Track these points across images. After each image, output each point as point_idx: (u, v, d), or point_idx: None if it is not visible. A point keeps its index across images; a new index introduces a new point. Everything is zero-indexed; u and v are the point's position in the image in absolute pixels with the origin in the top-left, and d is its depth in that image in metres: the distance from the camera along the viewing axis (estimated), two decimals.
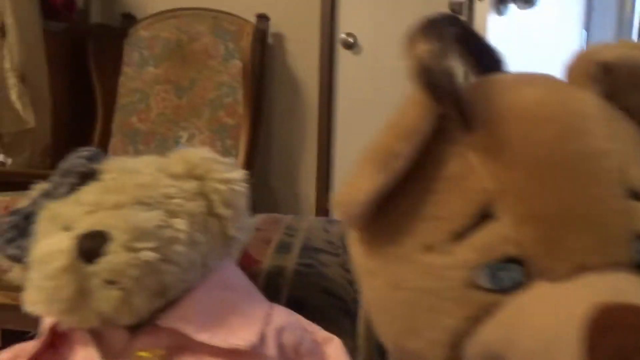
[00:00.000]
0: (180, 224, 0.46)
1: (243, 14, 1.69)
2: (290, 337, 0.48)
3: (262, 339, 0.47)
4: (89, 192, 0.48)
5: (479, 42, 0.34)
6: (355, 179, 0.33)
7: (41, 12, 1.64)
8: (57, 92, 1.64)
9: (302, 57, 1.74)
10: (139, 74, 1.77)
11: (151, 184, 0.48)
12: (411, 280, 0.34)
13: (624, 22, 1.26)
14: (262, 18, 1.71)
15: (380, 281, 0.37)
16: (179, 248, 0.45)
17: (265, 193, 1.74)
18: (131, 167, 0.50)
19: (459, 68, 0.31)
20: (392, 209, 0.35)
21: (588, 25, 1.29)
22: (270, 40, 1.75)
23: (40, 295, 0.44)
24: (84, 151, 0.52)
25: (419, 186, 0.34)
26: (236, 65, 1.66)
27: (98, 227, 0.44)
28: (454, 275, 0.33)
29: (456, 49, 0.31)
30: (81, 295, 0.42)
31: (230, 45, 1.68)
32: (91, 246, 0.42)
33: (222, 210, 0.49)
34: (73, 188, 0.49)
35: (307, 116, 1.73)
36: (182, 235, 0.46)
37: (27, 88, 1.58)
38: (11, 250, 0.49)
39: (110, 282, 0.42)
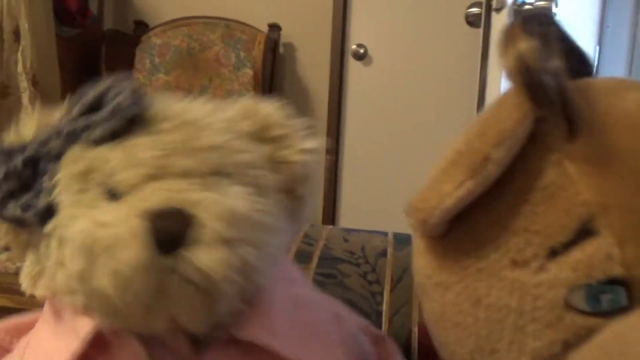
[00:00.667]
0: (267, 203, 0.35)
1: (255, 23, 1.67)
2: (359, 346, 0.43)
3: (347, 353, 0.39)
4: (143, 147, 0.33)
5: (571, 43, 0.31)
6: (438, 183, 0.30)
7: (55, 17, 1.62)
8: (69, 96, 1.60)
9: (312, 67, 1.72)
10: (150, 81, 1.74)
11: (225, 146, 0.35)
12: (495, 298, 0.31)
13: (637, 38, 1.25)
14: (274, 28, 1.68)
15: (453, 295, 0.33)
16: (273, 239, 0.34)
17: None
18: (192, 117, 0.36)
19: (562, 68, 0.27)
20: (476, 219, 0.31)
21: (601, 41, 1.28)
22: (281, 49, 1.73)
23: (85, 290, 0.32)
24: (124, 81, 0.35)
25: (510, 196, 0.30)
26: (247, 74, 1.64)
27: (176, 204, 0.30)
28: (546, 295, 0.29)
29: (559, 48, 0.28)
30: (153, 295, 0.31)
31: (242, 54, 1.66)
32: (173, 232, 0.30)
33: (300, 188, 0.38)
34: (114, 134, 0.34)
35: (316, 125, 1.70)
36: (273, 222, 0.34)
37: (39, 92, 1.55)
38: (12, 210, 0.33)
39: (194, 283, 0.30)
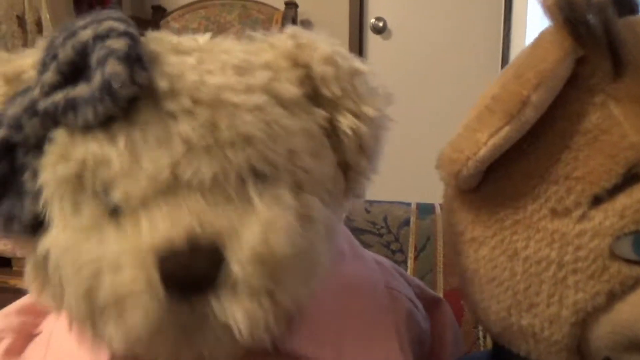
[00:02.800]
0: (316, 206, 0.26)
1: (271, 2, 1.64)
2: (415, 327, 0.39)
3: (402, 345, 0.35)
4: (150, 145, 0.24)
5: None
6: (472, 132, 0.28)
7: (75, 6, 1.61)
8: (41, 41, 1.60)
9: None
10: None
11: (266, 133, 0.25)
12: (533, 250, 0.29)
13: None
14: (291, 5, 1.65)
15: (488, 250, 0.31)
16: (322, 257, 0.27)
17: None
18: (216, 86, 0.25)
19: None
20: (512, 169, 0.29)
21: None
22: (299, 27, 1.69)
23: (99, 331, 0.25)
24: (112, 32, 0.24)
25: (549, 143, 0.28)
26: None
27: (199, 237, 0.23)
28: (589, 244, 0.27)
29: None
30: (178, 339, 0.25)
31: None
32: (196, 277, 0.23)
33: (356, 159, 0.29)
34: (106, 117, 0.24)
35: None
36: (321, 230, 0.27)
37: None
38: None
39: (222, 328, 0.24)
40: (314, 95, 0.28)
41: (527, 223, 0.29)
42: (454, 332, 0.44)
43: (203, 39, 0.29)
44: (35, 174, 0.25)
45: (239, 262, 0.23)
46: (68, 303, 0.26)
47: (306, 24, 1.71)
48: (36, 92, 0.25)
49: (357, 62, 0.29)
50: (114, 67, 0.23)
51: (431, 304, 0.44)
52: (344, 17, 1.63)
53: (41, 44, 0.26)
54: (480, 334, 0.57)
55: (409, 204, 0.70)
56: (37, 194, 0.25)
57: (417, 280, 0.46)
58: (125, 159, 0.24)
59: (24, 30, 1.63)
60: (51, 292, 0.27)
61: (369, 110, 0.28)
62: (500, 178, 0.30)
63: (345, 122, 0.28)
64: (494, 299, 0.32)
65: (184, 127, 0.24)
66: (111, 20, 0.25)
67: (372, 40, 1.63)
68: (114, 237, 0.24)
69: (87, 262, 0.24)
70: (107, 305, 0.24)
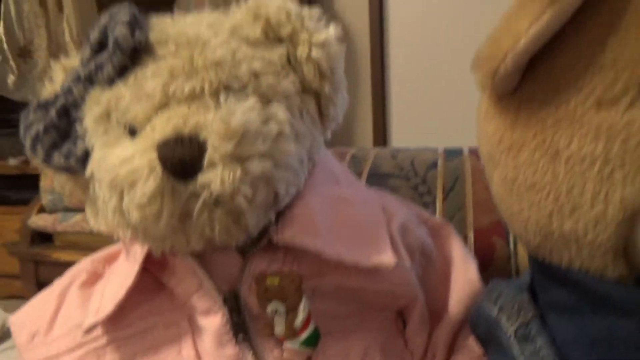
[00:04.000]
0: (280, 111, 0.34)
1: None
2: (413, 237, 0.41)
3: (395, 246, 0.37)
4: (148, 77, 0.33)
5: None
6: (511, 22, 0.26)
7: None
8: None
9: (350, 3, 1.64)
10: None
11: (231, 59, 0.34)
12: (577, 147, 0.27)
13: None
14: None
15: (528, 154, 0.30)
16: (289, 146, 0.33)
17: None
18: (194, 34, 0.35)
19: None
20: (552, 64, 0.28)
21: None
22: None
23: (126, 222, 0.33)
24: (120, 12, 0.34)
25: (593, 28, 0.26)
26: None
27: (184, 130, 0.31)
28: (639, 134, 0.25)
29: None
30: (181, 220, 0.32)
31: None
32: (184, 159, 0.30)
33: (320, 85, 0.37)
34: (122, 69, 0.34)
35: (360, 65, 1.64)
36: (287, 128, 0.34)
37: None
38: (58, 160, 0.35)
39: (216, 203, 0.31)
40: (275, 38, 0.37)
41: (571, 118, 0.27)
42: (460, 248, 0.44)
43: (192, 15, 0.38)
44: (82, 122, 0.35)
45: (211, 142, 0.31)
46: (105, 204, 0.33)
47: None
48: (79, 67, 0.36)
49: (305, 9, 0.37)
50: (120, 29, 0.33)
51: (436, 228, 0.45)
52: None
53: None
54: (513, 270, 0.56)
55: (435, 149, 0.69)
56: (84, 135, 0.35)
57: (421, 210, 0.48)
58: (133, 91, 0.33)
59: (46, 10, 1.64)
60: (100, 212, 0.35)
61: (318, 38, 0.36)
62: (540, 75, 0.28)
63: (300, 51, 0.36)
64: (534, 207, 0.31)
65: (170, 62, 0.33)
66: (120, 7, 0.35)
67: None
68: (130, 144, 0.33)
69: (111, 161, 0.32)
70: (124, 187, 0.31)
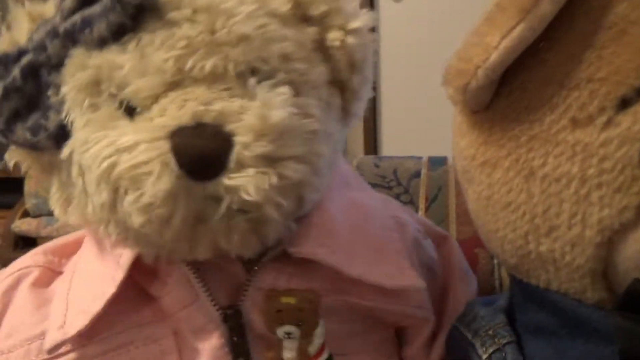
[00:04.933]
0: (313, 105, 0.29)
1: None
2: (423, 252, 0.38)
3: (413, 265, 0.35)
4: (157, 45, 0.27)
5: None
6: (482, 36, 0.25)
7: None
8: None
9: None
10: None
11: (260, 35, 0.28)
12: (552, 166, 0.26)
13: None
14: None
15: (502, 172, 0.28)
16: (322, 148, 0.28)
17: None
18: None
19: None
20: (526, 79, 0.26)
21: None
22: None
23: (116, 221, 0.28)
24: None
25: (568, 43, 0.25)
26: None
27: (207, 119, 0.25)
28: (616, 154, 0.24)
29: None
30: (192, 226, 0.27)
31: None
32: (206, 154, 0.25)
33: (349, 77, 0.31)
34: (119, 29, 0.27)
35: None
36: (319, 126, 0.29)
37: None
38: (22, 134, 0.28)
39: (240, 211, 0.26)
40: (306, 18, 0.31)
41: (545, 137, 0.26)
42: (462, 263, 0.42)
43: None
44: (58, 89, 0.28)
45: (242, 137, 0.25)
46: (90, 196, 0.28)
47: None
48: (57, 17, 0.28)
49: None
50: None
51: (438, 240, 0.42)
52: None
53: None
54: (496, 282, 0.55)
55: (420, 158, 0.67)
56: (60, 105, 0.28)
57: (423, 218, 0.45)
58: (136, 59, 0.27)
59: None
60: (76, 201, 0.30)
61: (354, 24, 0.30)
62: (513, 91, 0.27)
63: (333, 36, 0.30)
64: (509, 227, 0.29)
65: (186, 30, 0.27)
66: None
67: (385, 4, 1.57)
68: (130, 127, 0.26)
69: (105, 147, 0.26)
70: (125, 183, 0.25)
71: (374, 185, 0.63)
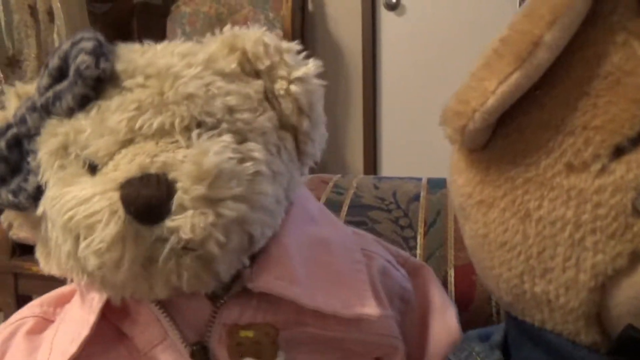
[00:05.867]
0: (257, 149, 0.32)
1: None
2: (393, 282, 0.39)
3: (377, 294, 0.36)
4: (112, 110, 0.30)
5: None
6: (479, 81, 0.25)
7: None
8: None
9: (343, 22, 1.64)
10: None
11: (204, 92, 0.31)
12: (547, 210, 0.26)
13: None
14: None
15: (498, 212, 0.28)
16: (265, 187, 0.31)
17: None
18: (164, 65, 0.32)
19: None
20: (523, 122, 0.27)
21: None
22: (310, 7, 1.66)
23: (82, 268, 0.30)
24: (83, 39, 0.32)
25: (564, 90, 0.25)
26: (277, 34, 1.57)
27: (151, 170, 0.28)
28: (609, 201, 0.24)
29: None
30: (145, 267, 0.29)
31: (270, 14, 1.60)
32: (150, 201, 0.28)
33: (298, 121, 0.35)
34: (83, 100, 0.31)
35: (352, 82, 1.64)
36: (263, 168, 0.31)
37: None
38: (5, 197, 0.32)
39: (185, 249, 0.29)
40: (252, 72, 0.35)
41: (540, 180, 0.26)
42: (440, 293, 0.42)
43: (163, 44, 0.36)
44: (35, 155, 0.32)
45: (182, 183, 0.28)
46: (59, 247, 0.31)
47: (317, 3, 1.68)
48: (35, 95, 0.33)
49: (284, 42, 0.35)
50: (82, 58, 0.31)
51: (414, 270, 0.43)
52: None
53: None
54: (494, 310, 0.55)
55: (419, 179, 0.68)
56: (37, 169, 0.32)
57: (400, 251, 0.45)
58: (96, 123, 0.31)
59: (36, 20, 1.64)
60: (52, 254, 0.33)
61: (296, 73, 0.34)
62: (511, 133, 0.27)
63: (278, 85, 0.34)
64: (505, 266, 0.29)
65: (138, 94, 0.31)
66: (84, 33, 0.32)
67: (386, 17, 1.58)
68: (89, 182, 0.30)
69: (67, 201, 0.29)
70: (82, 231, 0.29)
71: (373, 208, 0.63)
